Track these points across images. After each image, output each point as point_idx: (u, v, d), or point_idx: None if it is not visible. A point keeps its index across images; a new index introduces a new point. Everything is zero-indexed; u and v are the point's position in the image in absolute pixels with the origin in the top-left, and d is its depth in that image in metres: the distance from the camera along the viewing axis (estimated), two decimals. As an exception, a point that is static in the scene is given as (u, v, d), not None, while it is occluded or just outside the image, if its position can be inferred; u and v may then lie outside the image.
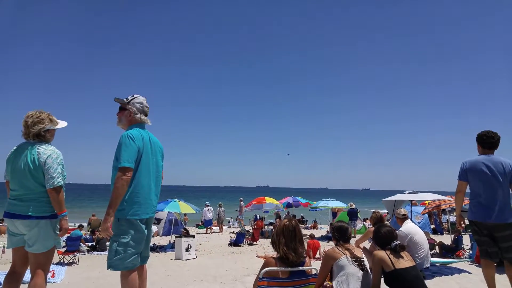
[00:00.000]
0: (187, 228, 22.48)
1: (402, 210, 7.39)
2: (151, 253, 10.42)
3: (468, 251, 10.74)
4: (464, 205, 8.93)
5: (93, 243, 15.23)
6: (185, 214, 24.61)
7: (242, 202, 25.16)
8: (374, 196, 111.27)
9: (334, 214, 26.14)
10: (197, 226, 25.39)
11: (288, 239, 3.45)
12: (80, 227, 18.36)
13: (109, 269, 3.53)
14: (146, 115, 3.85)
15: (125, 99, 3.87)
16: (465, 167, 4.89)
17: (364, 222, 21.30)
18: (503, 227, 4.68)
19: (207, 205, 23.18)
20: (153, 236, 19.04)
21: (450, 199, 16.65)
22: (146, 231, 3.72)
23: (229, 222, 27.63)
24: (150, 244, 4.06)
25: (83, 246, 14.38)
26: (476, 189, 4.80)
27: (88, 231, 19.47)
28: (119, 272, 3.55)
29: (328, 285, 4.05)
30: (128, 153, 3.47)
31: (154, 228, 19.68)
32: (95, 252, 14.17)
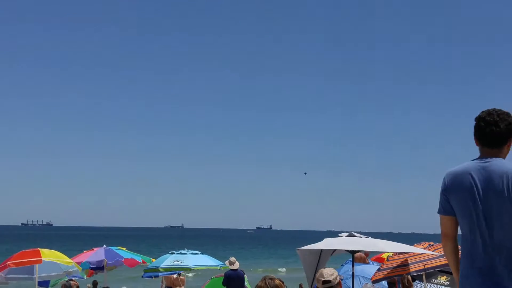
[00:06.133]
0: None
1: (329, 272, 4.39)
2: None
3: None
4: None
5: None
6: None
7: None
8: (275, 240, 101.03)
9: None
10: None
11: None
12: None
13: None
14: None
15: None
16: (445, 186, 2.69)
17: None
18: None
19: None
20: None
21: (433, 252, 8.31)
22: None
23: None
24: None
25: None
26: (464, 226, 2.65)
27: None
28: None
29: None
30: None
31: None
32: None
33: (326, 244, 8.16)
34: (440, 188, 2.73)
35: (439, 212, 2.73)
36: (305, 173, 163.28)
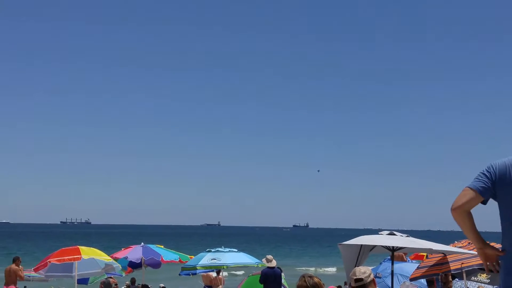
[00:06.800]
0: None
1: (361, 270, 4.15)
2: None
3: None
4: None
5: None
6: None
7: None
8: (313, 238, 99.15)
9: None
10: None
11: None
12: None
13: None
14: None
15: None
16: (495, 176, 2.61)
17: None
18: None
19: None
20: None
21: (470, 251, 8.01)
22: None
23: None
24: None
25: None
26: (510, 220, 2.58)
27: None
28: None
29: None
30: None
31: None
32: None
33: (368, 239, 8.06)
34: (481, 172, 2.64)
35: (476, 189, 2.60)
36: (318, 171, 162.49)
